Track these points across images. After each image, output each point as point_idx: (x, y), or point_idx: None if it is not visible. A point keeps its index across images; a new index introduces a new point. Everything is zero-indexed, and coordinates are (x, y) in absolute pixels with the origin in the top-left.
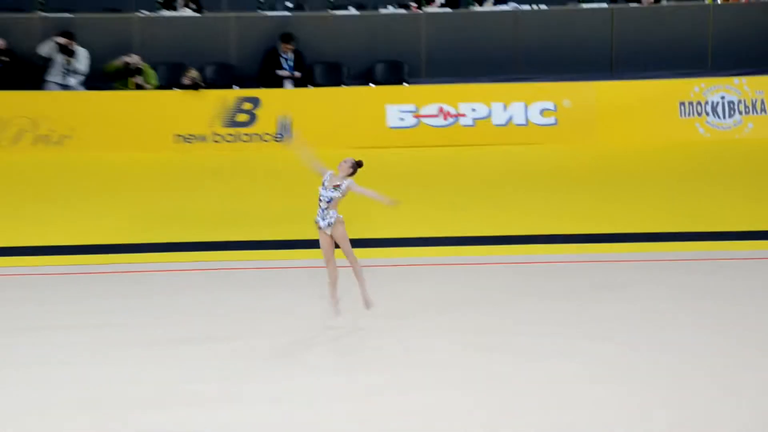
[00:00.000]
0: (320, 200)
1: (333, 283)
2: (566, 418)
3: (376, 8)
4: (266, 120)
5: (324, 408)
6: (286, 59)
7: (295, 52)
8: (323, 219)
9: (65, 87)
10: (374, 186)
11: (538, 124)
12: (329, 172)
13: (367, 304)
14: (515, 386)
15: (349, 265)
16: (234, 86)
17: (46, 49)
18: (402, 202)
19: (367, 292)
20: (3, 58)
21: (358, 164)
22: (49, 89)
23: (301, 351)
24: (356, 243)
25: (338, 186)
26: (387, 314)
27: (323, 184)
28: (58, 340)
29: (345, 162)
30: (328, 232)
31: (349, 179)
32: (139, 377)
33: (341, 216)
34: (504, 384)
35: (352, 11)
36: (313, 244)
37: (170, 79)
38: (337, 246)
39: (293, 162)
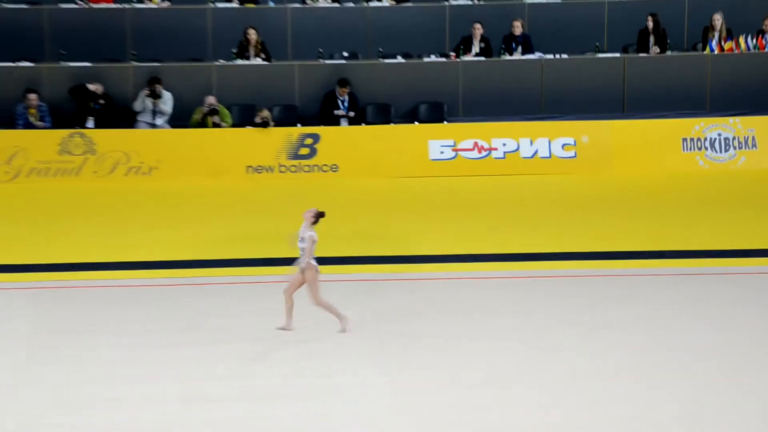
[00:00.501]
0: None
1: (289, 311)
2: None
3: (420, 57)
4: (325, 153)
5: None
6: (342, 101)
7: (350, 94)
8: (299, 262)
9: (153, 126)
10: (418, 209)
11: (560, 157)
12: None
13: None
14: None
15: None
16: (297, 124)
17: (139, 103)
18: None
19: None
20: (101, 101)
21: (320, 215)
22: (140, 127)
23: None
24: (406, 259)
25: (303, 239)
26: (440, 314)
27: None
28: (174, 338)
29: (308, 212)
30: (301, 272)
31: (311, 230)
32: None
33: (315, 264)
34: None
35: (400, 60)
36: (362, 260)
37: (243, 118)
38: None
39: (347, 190)
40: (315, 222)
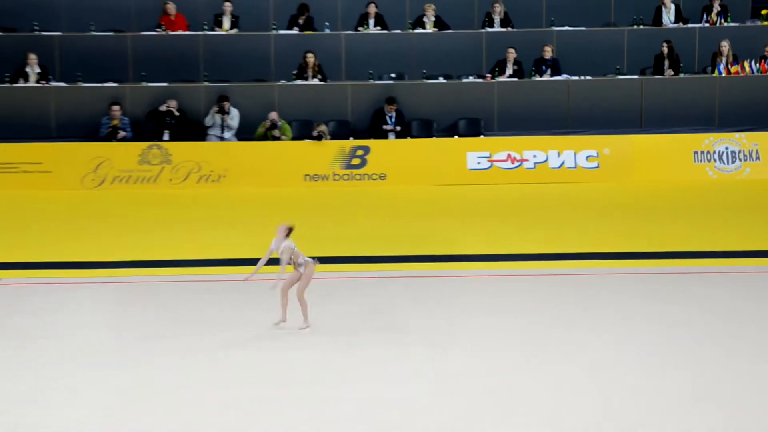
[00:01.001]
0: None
1: (284, 306)
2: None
3: (459, 78)
4: (374, 163)
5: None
6: (390, 117)
7: (397, 111)
8: (300, 262)
9: (222, 138)
10: (457, 213)
11: (585, 167)
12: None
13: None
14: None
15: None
16: (350, 137)
17: (209, 119)
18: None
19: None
20: (176, 115)
21: (290, 229)
22: (210, 140)
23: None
24: (447, 258)
25: (283, 251)
26: (475, 307)
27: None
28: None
29: (280, 228)
30: (298, 270)
31: (284, 243)
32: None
33: (312, 261)
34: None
35: (441, 80)
36: (407, 258)
37: (301, 132)
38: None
39: (394, 196)
40: (287, 236)
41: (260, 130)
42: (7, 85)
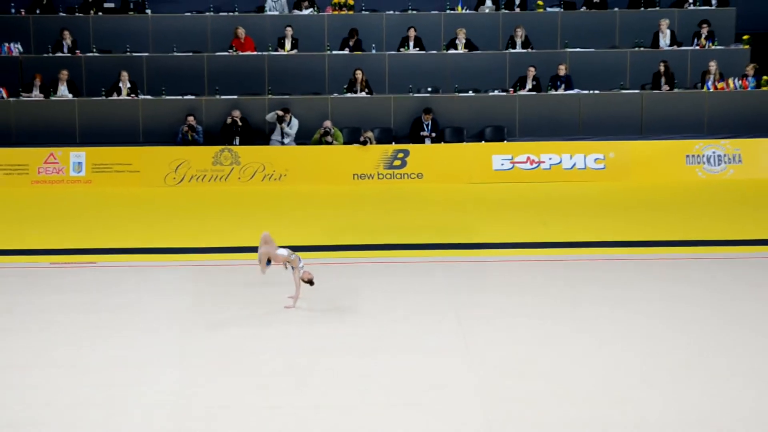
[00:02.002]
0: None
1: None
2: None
3: (486, 92)
4: (413, 164)
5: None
6: (427, 125)
7: (432, 120)
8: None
9: (282, 143)
10: (484, 207)
11: (593, 169)
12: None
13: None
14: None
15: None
16: (392, 142)
17: (270, 115)
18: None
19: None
20: (239, 124)
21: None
22: (272, 144)
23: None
24: (474, 245)
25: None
26: (498, 287)
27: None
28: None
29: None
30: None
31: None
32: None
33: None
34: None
35: (471, 93)
36: (440, 246)
37: (351, 138)
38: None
39: (430, 192)
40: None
41: (316, 136)
42: (103, 98)
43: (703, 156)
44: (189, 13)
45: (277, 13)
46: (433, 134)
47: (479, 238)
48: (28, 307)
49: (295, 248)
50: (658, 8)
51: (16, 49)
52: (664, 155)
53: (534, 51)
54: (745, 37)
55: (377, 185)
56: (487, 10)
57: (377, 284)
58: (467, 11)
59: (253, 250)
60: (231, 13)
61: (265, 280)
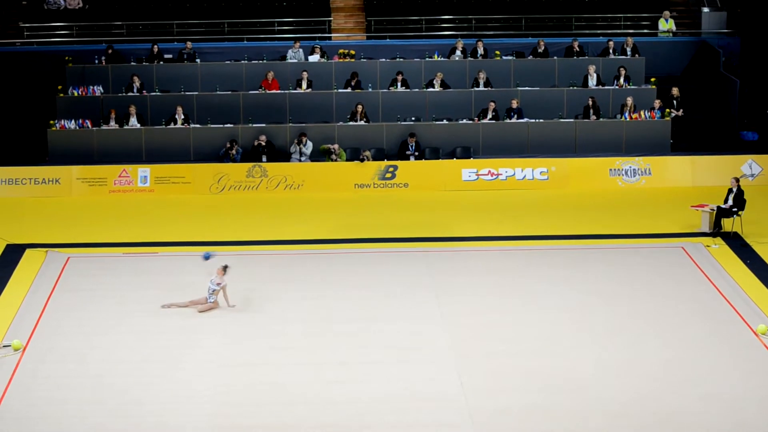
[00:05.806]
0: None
1: (180, 305)
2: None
3: (457, 120)
4: (400, 176)
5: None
6: (411, 146)
7: (416, 142)
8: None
9: (300, 161)
10: (455, 209)
11: (539, 179)
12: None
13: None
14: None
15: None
16: (384, 159)
17: (292, 147)
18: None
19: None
20: (263, 145)
21: (226, 267)
22: (293, 161)
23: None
24: (447, 239)
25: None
26: (467, 270)
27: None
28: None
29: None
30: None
31: (224, 281)
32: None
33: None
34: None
35: (445, 122)
36: (421, 239)
37: (352, 156)
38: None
39: (414, 198)
40: (224, 273)
41: (322, 147)
42: (164, 126)
43: (623, 170)
44: (228, 62)
45: (296, 60)
46: (416, 153)
47: (452, 233)
48: (107, 286)
49: (309, 241)
50: (587, 57)
51: (98, 90)
52: (593, 169)
53: (493, 89)
54: (653, 79)
55: (373, 193)
56: (457, 58)
57: (373, 269)
58: (442, 59)
59: (276, 243)
60: (261, 61)
61: (291, 264)
